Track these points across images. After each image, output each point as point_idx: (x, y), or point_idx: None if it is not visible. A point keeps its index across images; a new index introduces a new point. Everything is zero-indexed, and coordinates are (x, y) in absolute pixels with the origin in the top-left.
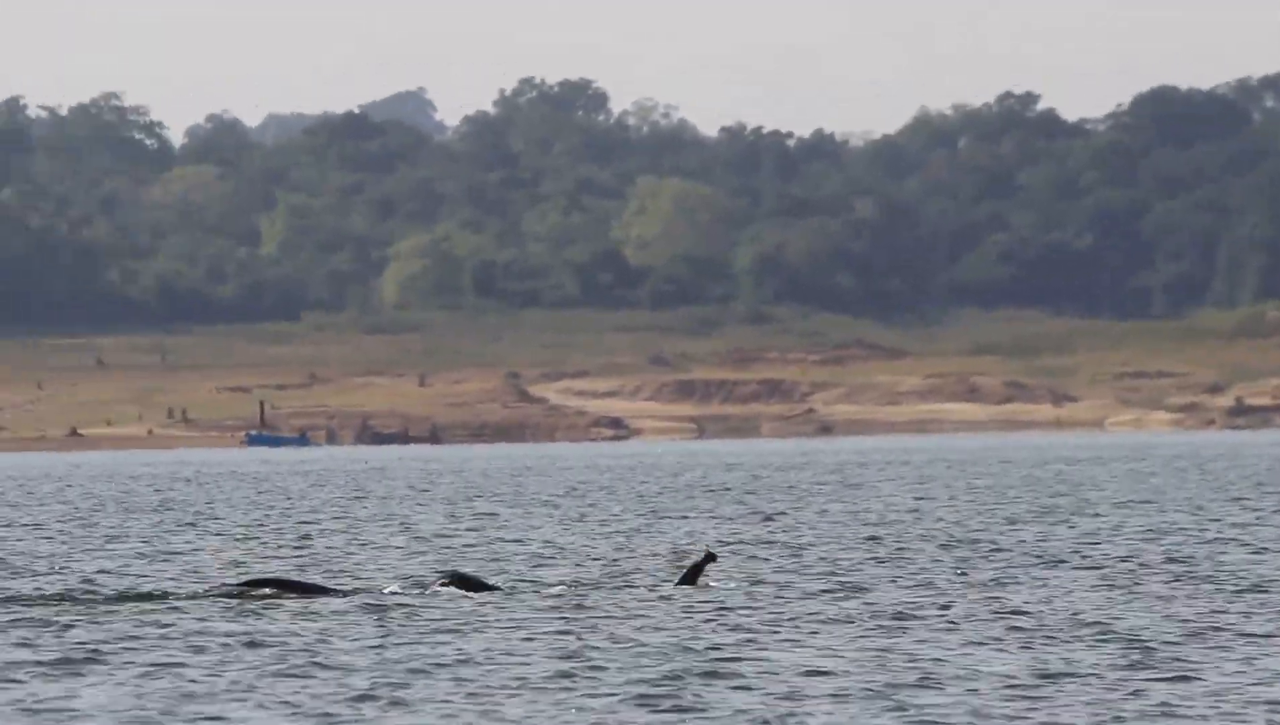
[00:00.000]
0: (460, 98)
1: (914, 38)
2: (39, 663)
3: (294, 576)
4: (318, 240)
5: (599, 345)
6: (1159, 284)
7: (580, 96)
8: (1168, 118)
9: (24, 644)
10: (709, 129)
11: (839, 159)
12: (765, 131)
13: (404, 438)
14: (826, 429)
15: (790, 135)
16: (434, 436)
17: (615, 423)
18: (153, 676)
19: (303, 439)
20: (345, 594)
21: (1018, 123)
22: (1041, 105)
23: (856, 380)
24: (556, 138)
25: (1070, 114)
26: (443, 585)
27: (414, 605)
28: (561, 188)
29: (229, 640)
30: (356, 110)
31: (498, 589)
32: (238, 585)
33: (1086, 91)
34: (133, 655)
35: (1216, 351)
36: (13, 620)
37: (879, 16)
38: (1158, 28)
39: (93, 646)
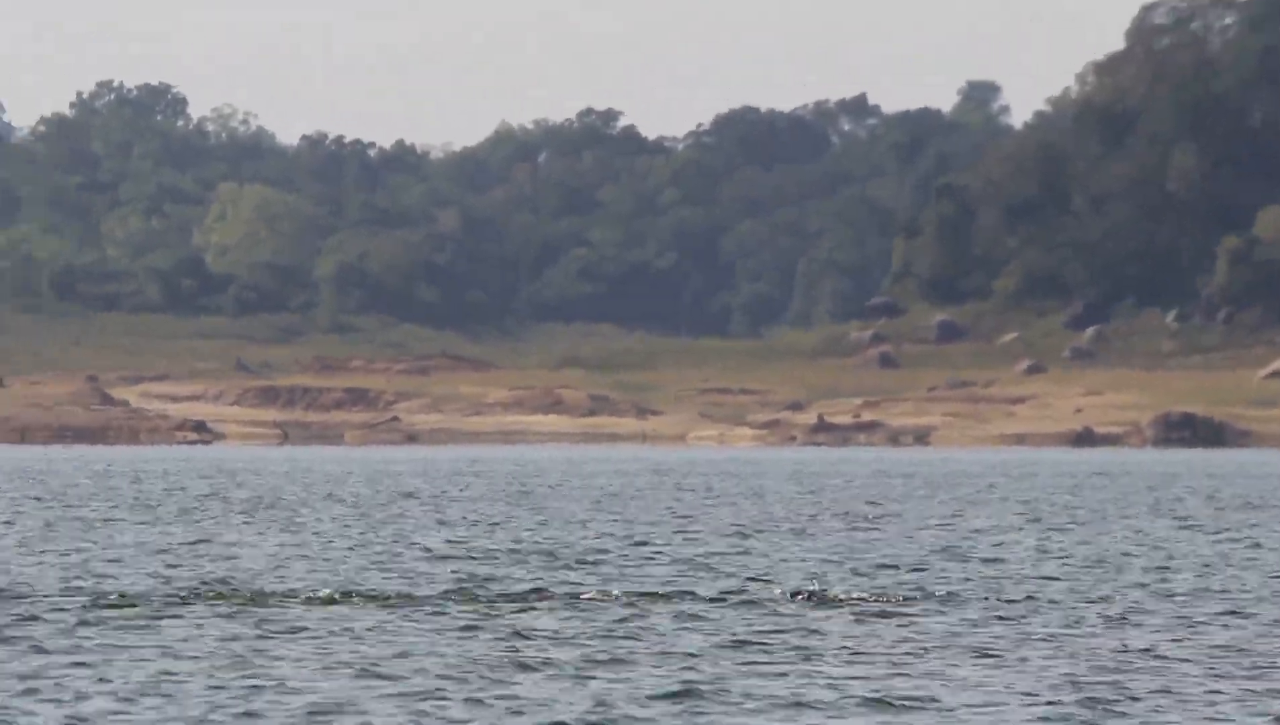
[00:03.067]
0: (32, 100)
1: (496, 50)
2: None
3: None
4: None
5: (181, 351)
6: (738, 303)
7: (160, 101)
8: (748, 139)
9: None
10: (289, 137)
11: (420, 170)
12: (347, 141)
13: None
14: (412, 438)
15: (372, 145)
16: None
17: (200, 426)
18: None
19: None
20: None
21: (599, 139)
22: (623, 122)
23: (441, 390)
24: (136, 142)
25: (651, 132)
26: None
27: None
28: (143, 192)
29: None
30: None
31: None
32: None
33: (668, 110)
34: None
35: (796, 370)
36: None
37: (460, 28)
38: (740, 49)
39: None
